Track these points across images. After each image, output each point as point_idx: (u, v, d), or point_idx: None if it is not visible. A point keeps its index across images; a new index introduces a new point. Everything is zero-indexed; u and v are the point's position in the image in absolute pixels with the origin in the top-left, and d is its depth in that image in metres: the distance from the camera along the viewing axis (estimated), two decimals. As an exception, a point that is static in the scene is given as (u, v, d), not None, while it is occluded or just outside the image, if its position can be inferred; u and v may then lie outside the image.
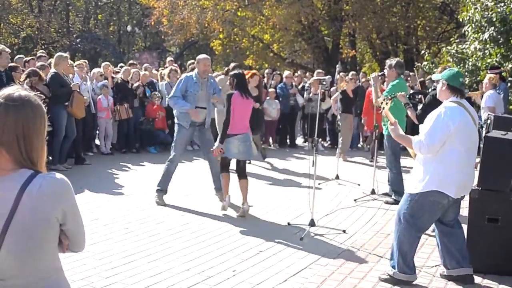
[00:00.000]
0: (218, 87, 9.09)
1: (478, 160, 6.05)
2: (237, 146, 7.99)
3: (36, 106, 2.33)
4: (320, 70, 17.35)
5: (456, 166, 5.18)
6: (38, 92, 9.24)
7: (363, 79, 16.62)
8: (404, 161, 9.11)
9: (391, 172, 9.07)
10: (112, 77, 13.82)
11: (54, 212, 2.29)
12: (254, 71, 12.91)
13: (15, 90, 2.32)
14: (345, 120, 13.39)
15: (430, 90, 9.67)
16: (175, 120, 8.90)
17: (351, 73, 16.56)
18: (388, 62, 9.32)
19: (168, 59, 17.84)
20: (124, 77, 13.62)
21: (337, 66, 12.42)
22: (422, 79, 14.86)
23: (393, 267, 5.50)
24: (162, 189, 8.74)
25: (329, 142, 16.30)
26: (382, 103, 5.96)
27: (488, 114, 9.57)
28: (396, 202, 8.43)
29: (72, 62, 12.57)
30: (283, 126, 16.10)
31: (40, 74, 10.62)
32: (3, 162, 2.27)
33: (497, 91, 11.16)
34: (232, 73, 8.37)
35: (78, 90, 11.14)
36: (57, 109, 10.60)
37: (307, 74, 19.17)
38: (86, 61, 14.47)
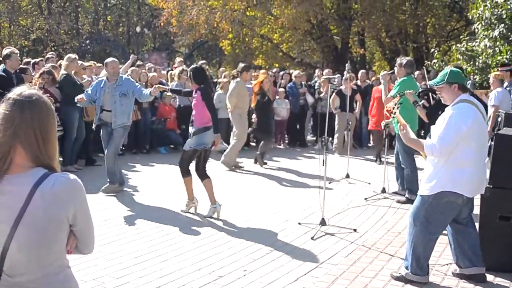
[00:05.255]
0: (135, 86, 9.33)
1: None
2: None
3: (47, 102, 2.40)
4: (328, 70, 17.37)
5: (470, 165, 5.15)
6: (48, 95, 9.37)
7: (373, 78, 16.58)
8: (416, 160, 9.06)
9: (406, 170, 8.95)
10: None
11: (65, 212, 2.32)
12: (261, 78, 12.83)
13: (25, 88, 2.39)
14: (342, 118, 13.69)
15: None
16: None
17: (361, 71, 16.57)
18: (398, 60, 9.33)
19: (178, 59, 17.79)
20: (132, 77, 13.57)
21: (346, 65, 12.40)
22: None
23: (407, 267, 5.48)
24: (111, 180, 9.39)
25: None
26: (393, 108, 5.96)
27: (499, 112, 9.55)
28: (409, 200, 8.40)
29: (83, 63, 12.60)
30: (293, 126, 16.08)
31: (54, 75, 10.69)
32: (20, 159, 2.31)
33: (507, 88, 11.12)
34: (192, 67, 8.64)
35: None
36: (68, 111, 10.68)
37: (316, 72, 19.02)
38: (95, 62, 14.51)
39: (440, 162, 5.20)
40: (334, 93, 13.52)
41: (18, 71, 10.28)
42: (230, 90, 12.29)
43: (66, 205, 2.31)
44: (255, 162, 12.42)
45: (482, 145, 5.30)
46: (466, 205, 5.41)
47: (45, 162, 2.34)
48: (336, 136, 13.98)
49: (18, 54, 10.41)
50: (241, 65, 12.41)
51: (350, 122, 12.23)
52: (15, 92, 2.34)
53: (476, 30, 14.35)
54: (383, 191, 9.52)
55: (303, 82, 16.20)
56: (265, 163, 12.41)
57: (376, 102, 12.41)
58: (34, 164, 2.32)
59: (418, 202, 5.43)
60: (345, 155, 12.97)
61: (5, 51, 10.18)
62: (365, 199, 9.15)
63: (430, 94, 9.65)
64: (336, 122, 13.75)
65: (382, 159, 10.40)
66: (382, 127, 9.48)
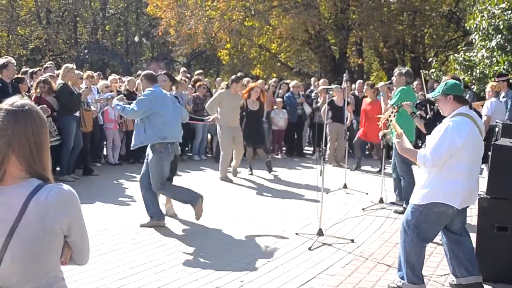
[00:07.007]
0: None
1: (482, 166, 6.01)
2: None
3: (40, 112, 2.40)
4: (324, 80, 17.43)
5: (461, 178, 5.15)
6: (45, 106, 9.33)
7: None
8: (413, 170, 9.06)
9: (404, 181, 8.94)
10: (118, 91, 13.84)
11: (59, 223, 2.31)
12: (252, 85, 12.88)
13: (18, 98, 2.39)
14: (334, 128, 13.77)
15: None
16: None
17: (358, 81, 16.65)
18: (397, 70, 9.34)
19: (182, 69, 17.76)
20: (129, 87, 13.56)
21: (344, 75, 12.40)
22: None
23: (402, 278, 5.46)
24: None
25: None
26: (390, 116, 5.97)
27: (496, 122, 9.56)
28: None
29: (81, 73, 12.60)
30: (291, 136, 16.08)
31: (51, 84, 10.67)
32: (14, 170, 2.30)
33: (504, 98, 11.16)
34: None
35: (87, 99, 11.32)
36: (66, 120, 10.68)
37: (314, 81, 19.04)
38: (93, 72, 14.51)
39: (433, 172, 5.21)
40: (326, 105, 13.53)
41: (14, 80, 10.27)
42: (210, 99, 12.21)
43: (60, 216, 2.30)
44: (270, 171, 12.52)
45: (475, 158, 5.29)
46: (458, 215, 5.42)
47: (39, 172, 2.33)
48: (328, 146, 13.95)
49: (15, 64, 10.40)
50: (233, 76, 12.31)
51: (347, 133, 12.21)
52: (8, 103, 2.34)
53: (474, 40, 14.37)
54: (381, 201, 9.51)
55: (300, 92, 16.21)
56: (251, 173, 12.41)
57: (364, 115, 12.93)
58: (28, 175, 2.31)
59: (410, 211, 5.45)
60: (340, 165, 12.99)
61: (2, 61, 10.17)
62: (363, 209, 9.14)
63: (428, 105, 9.66)
64: (328, 132, 13.68)
65: (381, 167, 10.39)
66: (380, 137, 9.48)
